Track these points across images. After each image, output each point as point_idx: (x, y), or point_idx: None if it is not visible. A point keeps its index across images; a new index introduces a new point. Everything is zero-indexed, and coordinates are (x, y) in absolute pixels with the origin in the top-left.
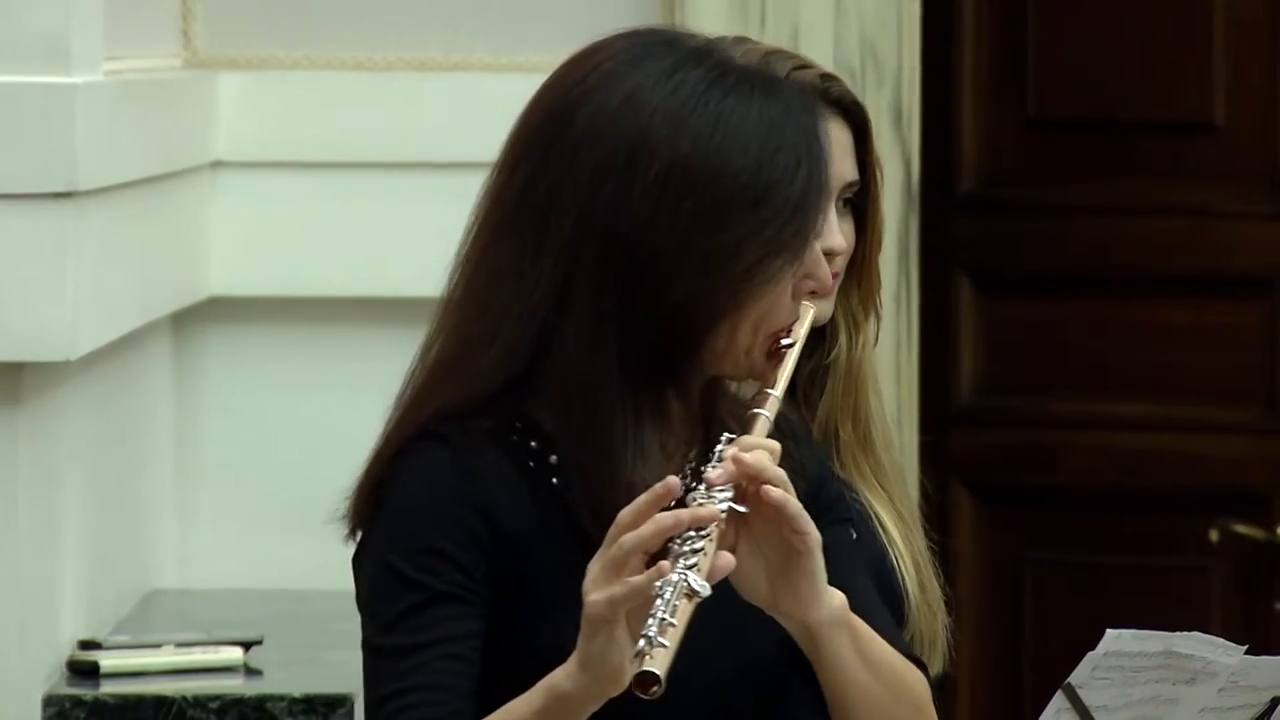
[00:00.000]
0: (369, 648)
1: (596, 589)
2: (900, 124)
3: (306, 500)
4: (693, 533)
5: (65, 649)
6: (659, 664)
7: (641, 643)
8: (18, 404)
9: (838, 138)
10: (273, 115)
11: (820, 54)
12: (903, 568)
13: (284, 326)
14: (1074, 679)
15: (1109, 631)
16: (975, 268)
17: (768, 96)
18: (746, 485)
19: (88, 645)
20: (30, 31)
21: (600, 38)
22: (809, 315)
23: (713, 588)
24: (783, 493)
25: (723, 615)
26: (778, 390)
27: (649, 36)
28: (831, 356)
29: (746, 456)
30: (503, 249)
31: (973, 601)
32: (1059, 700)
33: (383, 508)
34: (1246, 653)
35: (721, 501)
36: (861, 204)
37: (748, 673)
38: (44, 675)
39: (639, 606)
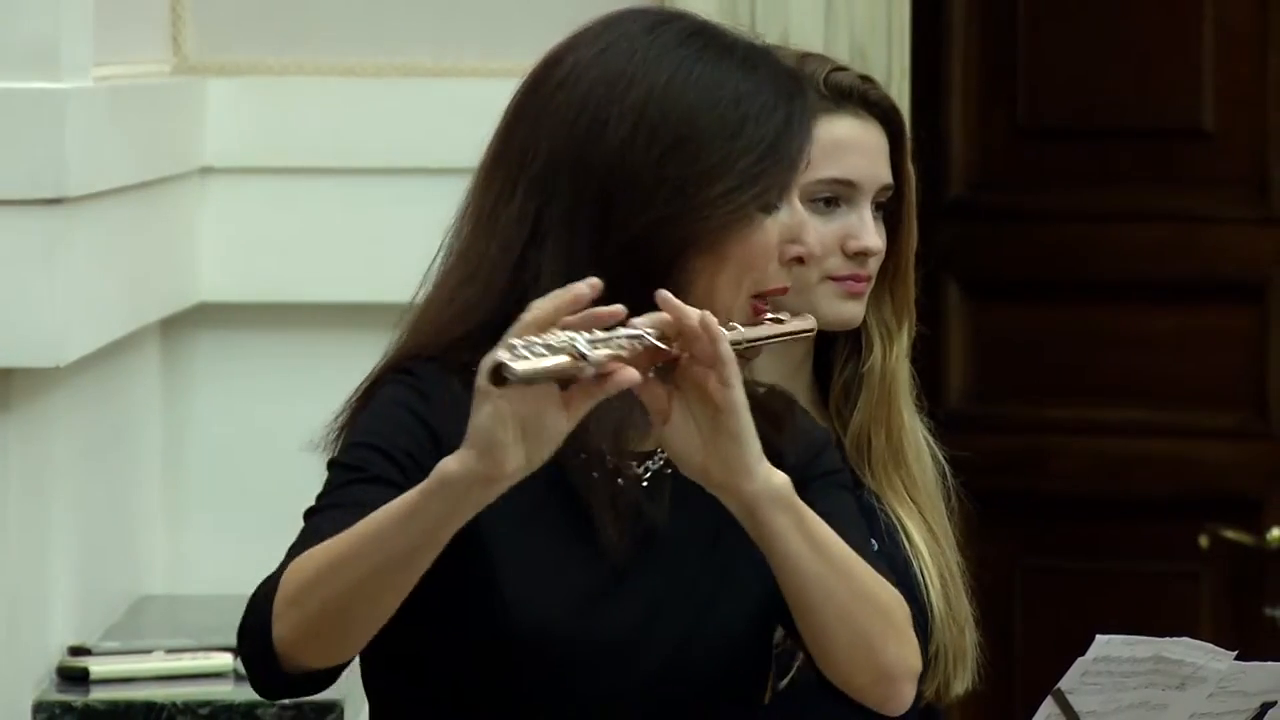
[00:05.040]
0: (304, 518)
1: (487, 359)
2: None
3: (296, 506)
4: (604, 334)
5: (55, 655)
6: (516, 363)
7: (513, 346)
8: (7, 410)
9: (874, 141)
10: (262, 121)
11: None
12: (928, 581)
13: (273, 332)
14: (1064, 684)
15: (1099, 637)
16: (964, 273)
17: (750, 54)
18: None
19: (77, 651)
20: (19, 37)
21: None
22: (806, 323)
23: (682, 569)
24: (717, 328)
25: (691, 592)
26: (741, 328)
27: (636, 8)
28: (866, 366)
29: (672, 298)
30: (484, 196)
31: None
32: (1049, 706)
33: (347, 430)
34: (1236, 658)
35: (644, 329)
36: (895, 211)
37: (715, 650)
38: (34, 681)
39: (530, 391)
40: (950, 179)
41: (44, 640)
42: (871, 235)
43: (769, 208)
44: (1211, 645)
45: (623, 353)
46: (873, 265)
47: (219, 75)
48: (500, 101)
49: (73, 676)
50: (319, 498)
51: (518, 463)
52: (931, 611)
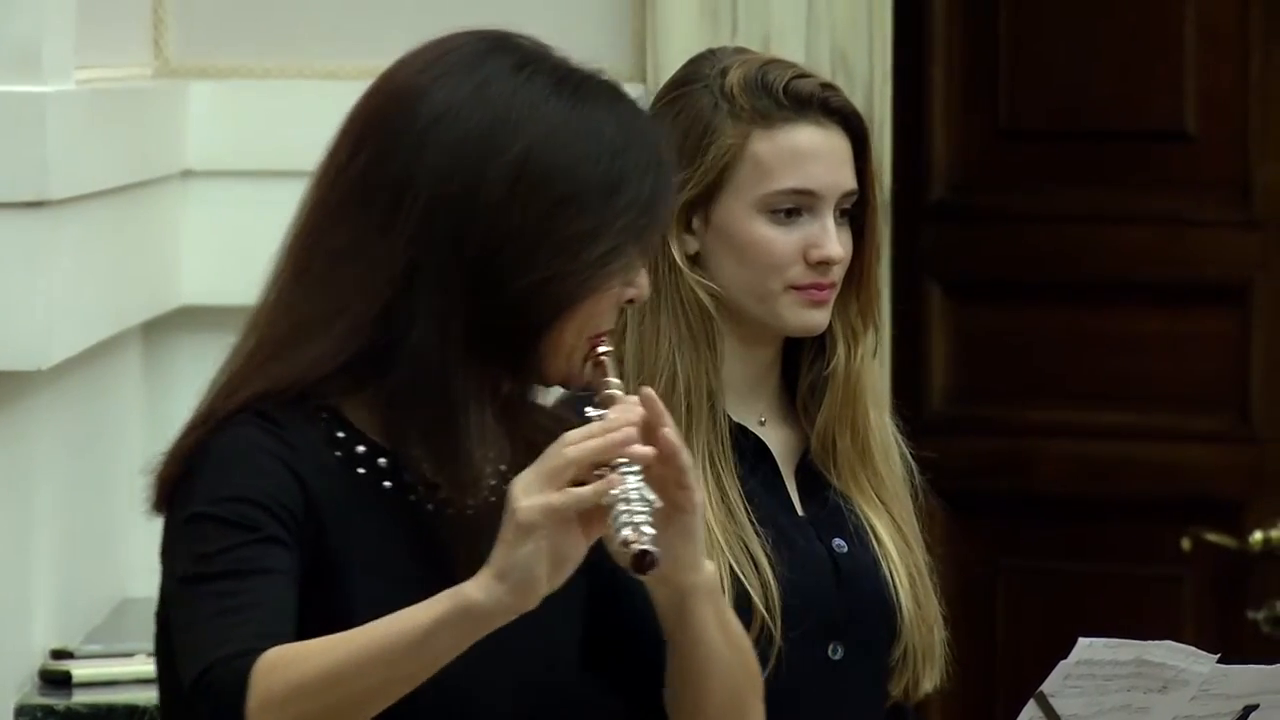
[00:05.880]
0: (184, 579)
1: (529, 496)
2: (871, 132)
3: None
4: (624, 461)
5: (37, 658)
6: (655, 545)
7: (626, 531)
8: None
9: (837, 147)
10: (244, 124)
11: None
12: (896, 581)
13: None
14: (1046, 687)
15: (1081, 640)
16: (946, 276)
17: (615, 98)
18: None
19: (60, 654)
20: (1, 40)
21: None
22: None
23: (528, 615)
24: (678, 440)
25: (539, 625)
26: (618, 381)
27: (490, 34)
28: (830, 368)
29: (655, 397)
30: (344, 230)
31: (945, 609)
32: (1031, 709)
33: (196, 473)
34: (1219, 661)
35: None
36: (859, 215)
37: (546, 673)
38: (15, 684)
39: (563, 522)
40: (932, 181)
41: (26, 643)
42: (833, 244)
43: (644, 260)
44: (1194, 648)
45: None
46: (836, 273)
47: (201, 78)
48: None
49: (55, 680)
50: (202, 558)
51: (545, 592)
52: (900, 611)
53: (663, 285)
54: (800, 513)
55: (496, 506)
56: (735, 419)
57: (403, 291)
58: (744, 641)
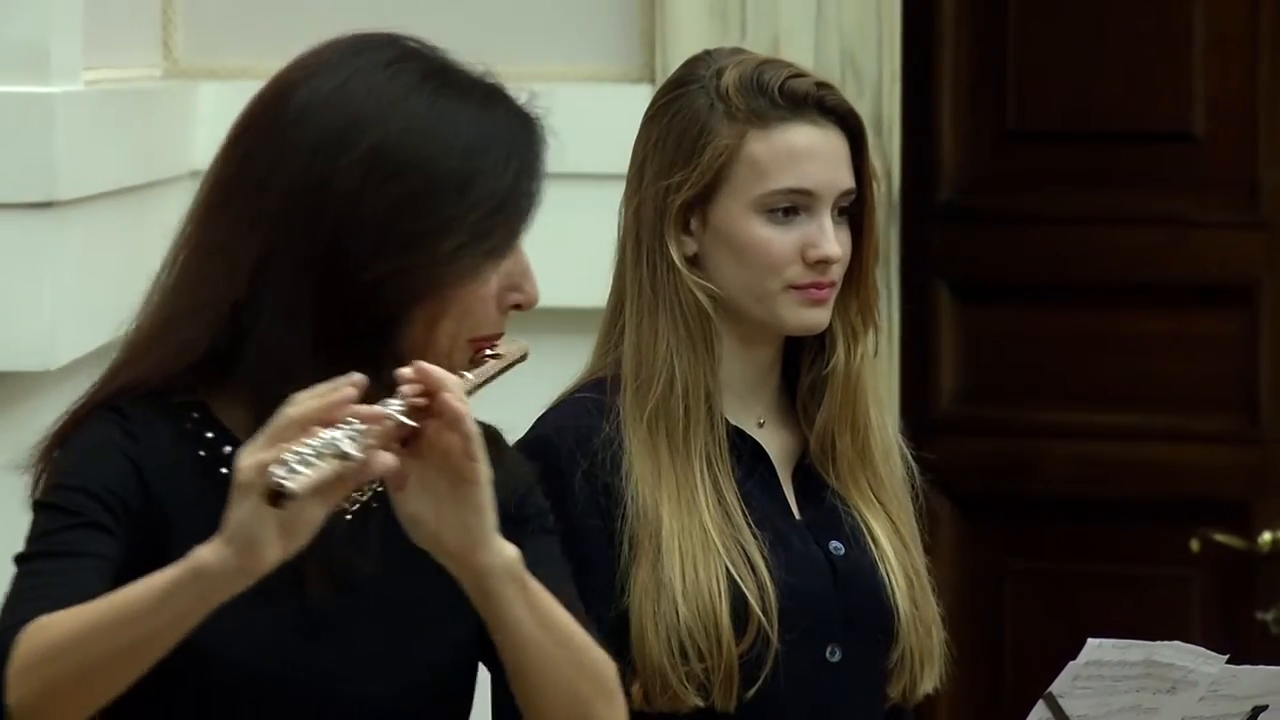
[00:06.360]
0: (15, 562)
1: (248, 457)
2: (880, 133)
3: None
4: (362, 425)
5: None
6: (293, 482)
7: (277, 466)
8: None
9: (834, 147)
10: None
11: (800, 63)
12: (893, 583)
13: None
14: (1055, 688)
15: (1090, 641)
16: (954, 277)
17: (487, 98)
18: (427, 403)
19: None
20: (9, 41)
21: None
22: (518, 348)
23: (383, 608)
24: (460, 406)
25: (393, 621)
26: (472, 375)
27: (373, 35)
28: (830, 367)
29: (431, 367)
30: (212, 229)
31: (953, 611)
32: (1040, 709)
33: (51, 464)
34: (1227, 662)
35: (394, 409)
36: (857, 214)
37: (422, 680)
38: None
39: None
40: (940, 182)
41: None
42: (831, 243)
43: (497, 258)
44: (1203, 649)
45: (374, 440)
46: (835, 271)
47: (209, 79)
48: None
49: None
50: (30, 541)
51: (275, 557)
52: (897, 613)
53: (661, 287)
54: (797, 515)
55: (367, 511)
56: (733, 421)
57: (257, 285)
58: (576, 639)
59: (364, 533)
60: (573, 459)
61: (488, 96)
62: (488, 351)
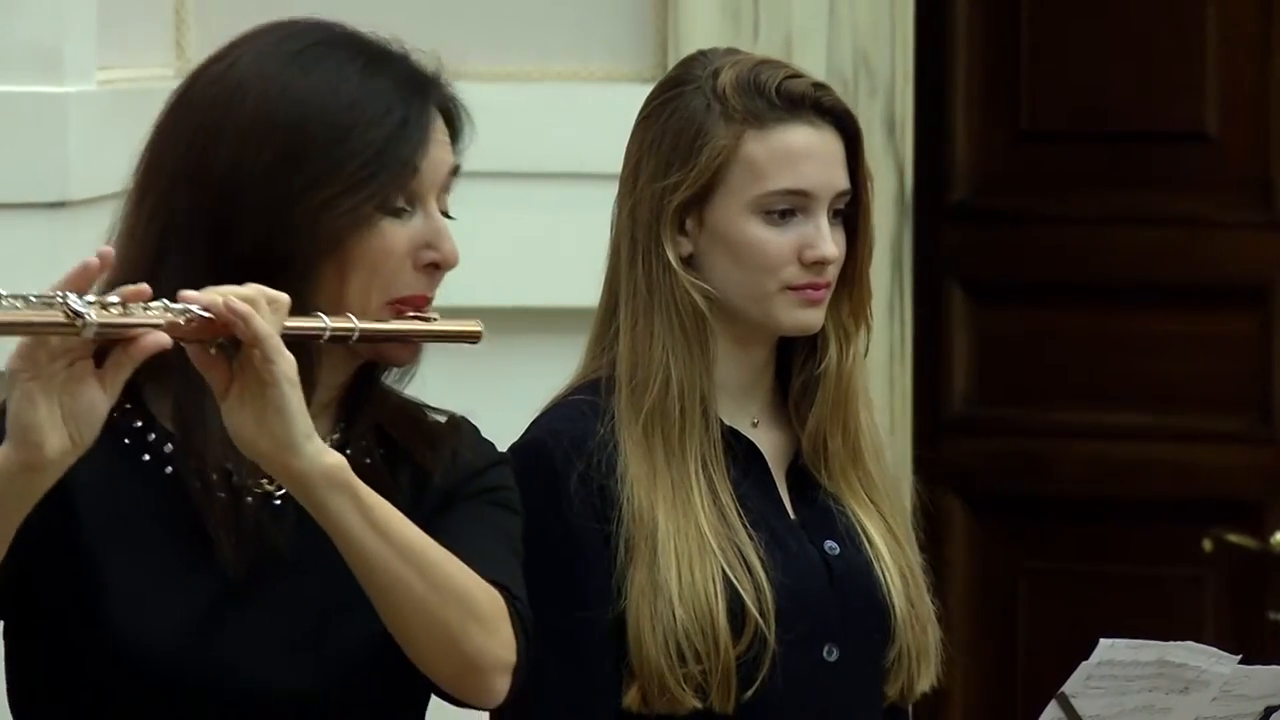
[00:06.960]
0: None
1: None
2: (893, 134)
3: None
4: (116, 299)
5: None
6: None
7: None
8: None
9: (831, 148)
10: None
11: (813, 63)
12: (888, 581)
13: None
14: (1068, 688)
15: (1103, 641)
16: (968, 277)
17: (376, 60)
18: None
19: None
20: (23, 41)
21: None
22: (464, 326)
23: (302, 590)
24: (248, 308)
25: (310, 614)
26: (361, 324)
27: (288, 20)
28: (822, 367)
29: (239, 287)
30: (126, 216)
31: (966, 611)
32: (1053, 709)
33: None
34: (1240, 662)
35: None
36: (852, 215)
37: (334, 672)
38: None
39: (55, 368)
40: (953, 182)
41: None
42: (828, 244)
43: (391, 211)
44: (1215, 649)
45: (154, 320)
46: (831, 272)
47: None
48: (503, 106)
49: None
50: None
51: (60, 445)
52: (893, 612)
53: (656, 287)
54: (792, 515)
55: (289, 497)
56: (728, 421)
57: (155, 259)
58: (442, 566)
59: (282, 511)
60: (568, 462)
61: (377, 59)
62: (412, 315)
